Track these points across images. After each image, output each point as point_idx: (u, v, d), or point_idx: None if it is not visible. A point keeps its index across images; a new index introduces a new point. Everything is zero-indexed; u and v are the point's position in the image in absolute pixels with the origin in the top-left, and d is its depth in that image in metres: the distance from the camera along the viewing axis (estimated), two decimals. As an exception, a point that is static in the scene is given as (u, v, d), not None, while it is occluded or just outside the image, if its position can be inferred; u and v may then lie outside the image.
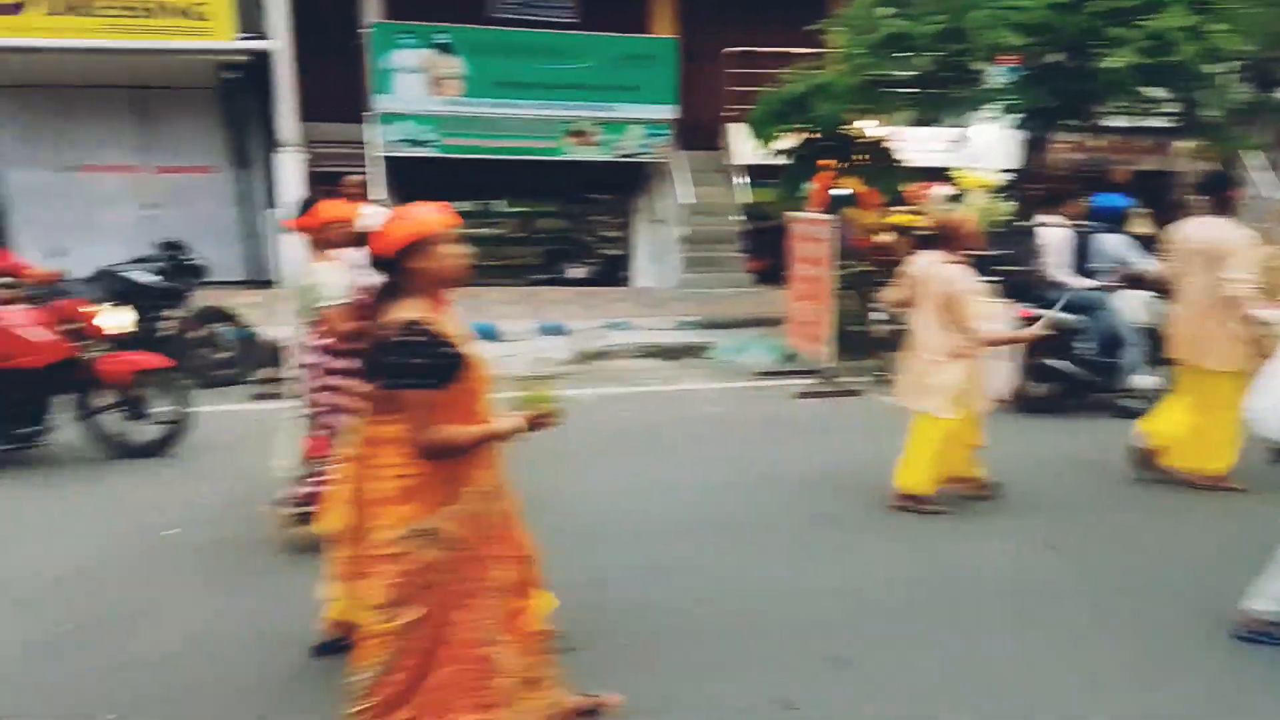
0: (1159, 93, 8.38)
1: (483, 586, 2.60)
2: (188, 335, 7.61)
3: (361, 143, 11.08)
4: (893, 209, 8.60)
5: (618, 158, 12.26)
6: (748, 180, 12.43)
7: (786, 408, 7.30)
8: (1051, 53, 8.11)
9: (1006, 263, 6.60)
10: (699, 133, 12.57)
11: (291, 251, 10.26)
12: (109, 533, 4.66)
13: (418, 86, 11.36)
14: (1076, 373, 6.80)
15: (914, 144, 10.32)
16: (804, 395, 7.56)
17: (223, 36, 10.56)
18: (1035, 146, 9.23)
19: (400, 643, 2.53)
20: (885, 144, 9.32)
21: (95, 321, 5.69)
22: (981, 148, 11.40)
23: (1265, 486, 5.07)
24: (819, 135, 9.09)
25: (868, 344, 8.11)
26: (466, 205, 10.96)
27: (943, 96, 8.84)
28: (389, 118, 11.27)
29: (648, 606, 3.86)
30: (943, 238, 4.81)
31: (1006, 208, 8.17)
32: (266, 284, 10.67)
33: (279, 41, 10.67)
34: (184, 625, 3.72)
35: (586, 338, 9.38)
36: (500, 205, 13.42)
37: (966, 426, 4.82)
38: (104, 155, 11.62)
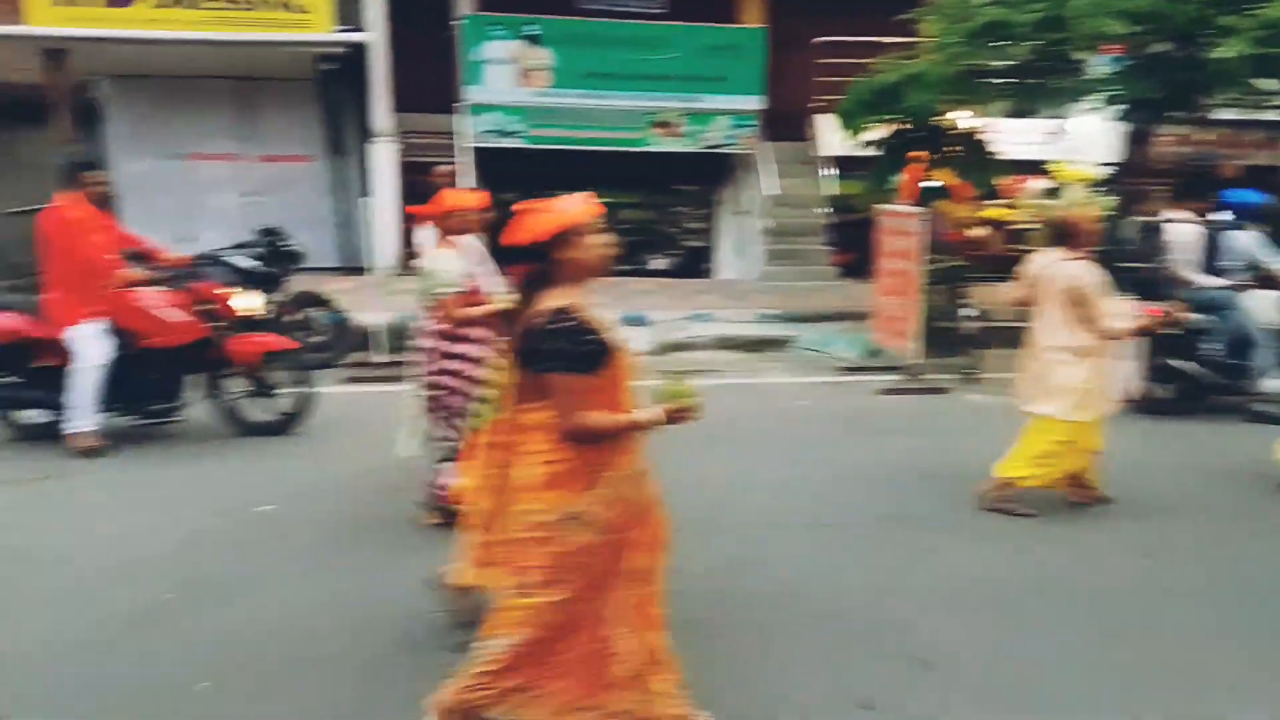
0: (1272, 84, 7.98)
1: (621, 570, 2.64)
2: (284, 319, 7.86)
3: (451, 133, 11.29)
4: (986, 203, 8.38)
5: (703, 149, 12.22)
6: (835, 172, 12.25)
7: (871, 404, 7.20)
8: (1158, 42, 7.79)
9: (1130, 259, 6.40)
10: (786, 123, 12.43)
11: (383, 239, 10.56)
12: (215, 507, 4.86)
13: (507, 78, 11.51)
14: (1201, 374, 6.54)
15: (1009, 136, 10.05)
16: (889, 392, 7.44)
17: (321, 29, 10.86)
18: (1139, 140, 8.88)
19: (536, 619, 2.58)
20: (979, 135, 9.08)
21: (229, 303, 5.93)
22: (1081, 140, 11.03)
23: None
24: (910, 126, 8.89)
25: (956, 341, 7.94)
26: (550, 195, 11.03)
27: (1041, 87, 8.56)
28: (479, 109, 11.45)
29: (728, 599, 3.86)
30: (1063, 234, 4.64)
31: (1107, 203, 7.89)
32: (359, 270, 10.95)
33: (374, 33, 10.94)
34: (281, 600, 3.85)
35: (668, 329, 9.39)
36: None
37: (1088, 430, 4.65)
38: (208, 144, 12.12)
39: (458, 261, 4.21)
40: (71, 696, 3.17)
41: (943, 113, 8.87)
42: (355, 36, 10.94)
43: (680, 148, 12.13)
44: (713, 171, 12.95)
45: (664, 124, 11.97)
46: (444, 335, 4.22)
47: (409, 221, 8.09)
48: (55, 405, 5.68)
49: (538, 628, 2.60)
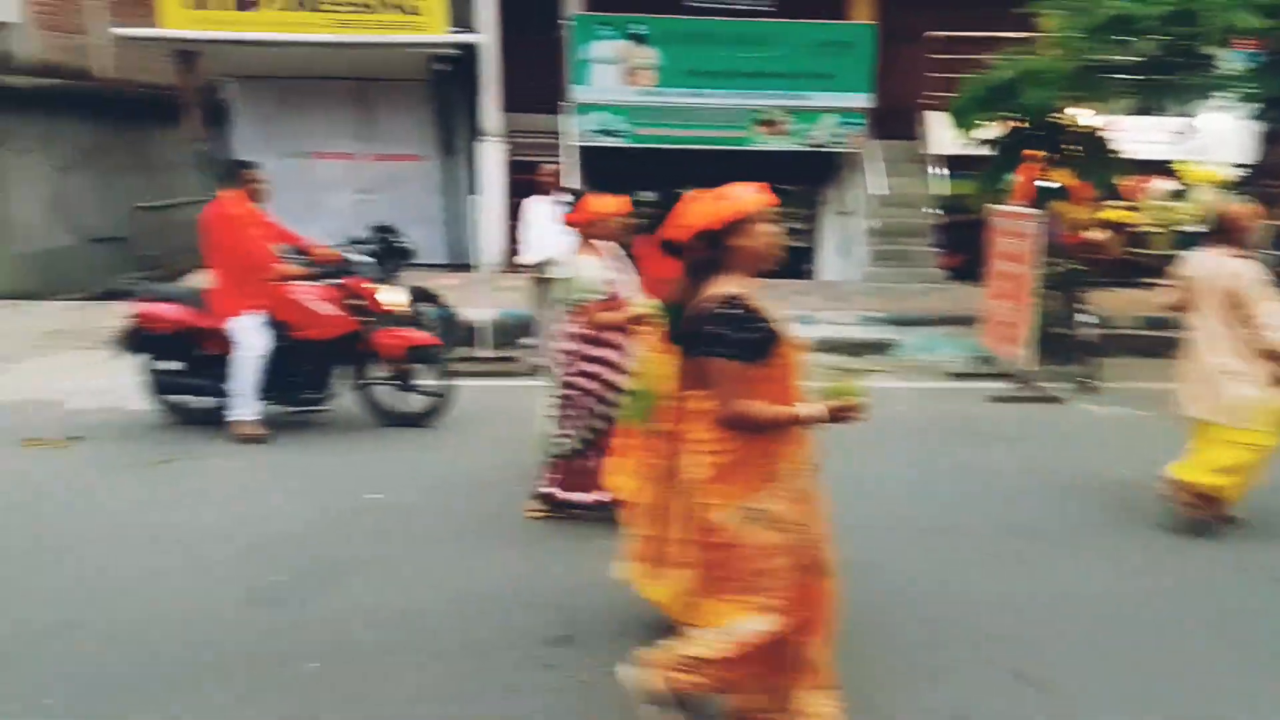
0: None
1: (812, 567, 2.64)
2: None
3: (557, 133, 11.44)
4: (1106, 204, 8.05)
5: (808, 147, 12.07)
6: (945, 171, 11.94)
7: (980, 411, 6.99)
8: (1297, 36, 7.35)
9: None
10: (895, 121, 12.16)
11: (489, 237, 10.77)
12: (336, 493, 5.05)
13: (612, 77, 11.60)
14: None
15: (1133, 134, 9.60)
16: (998, 399, 7.22)
17: (435, 30, 11.14)
18: (1273, 140, 8.40)
19: (749, 625, 2.57)
20: (1101, 134, 8.73)
21: (376, 298, 6.14)
22: (1210, 140, 10.46)
23: None
24: (1027, 124, 8.61)
25: (1072, 348, 7.64)
26: (652, 194, 11.09)
27: (1168, 84, 8.16)
28: (584, 108, 11.58)
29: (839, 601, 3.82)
30: (1222, 231, 4.39)
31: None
32: (466, 267, 11.21)
33: (486, 35, 11.18)
34: (397, 586, 3.98)
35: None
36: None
37: (1262, 441, 4.33)
38: (329, 144, 12.58)
39: (599, 267, 4.31)
40: (187, 666, 3.33)
41: (1061, 110, 8.56)
42: (467, 37, 11.20)
43: (785, 146, 12.00)
44: (817, 170, 12.78)
45: (768, 122, 11.87)
46: (585, 339, 4.33)
47: (515, 219, 8.23)
48: (215, 392, 5.94)
49: (759, 628, 2.57)
